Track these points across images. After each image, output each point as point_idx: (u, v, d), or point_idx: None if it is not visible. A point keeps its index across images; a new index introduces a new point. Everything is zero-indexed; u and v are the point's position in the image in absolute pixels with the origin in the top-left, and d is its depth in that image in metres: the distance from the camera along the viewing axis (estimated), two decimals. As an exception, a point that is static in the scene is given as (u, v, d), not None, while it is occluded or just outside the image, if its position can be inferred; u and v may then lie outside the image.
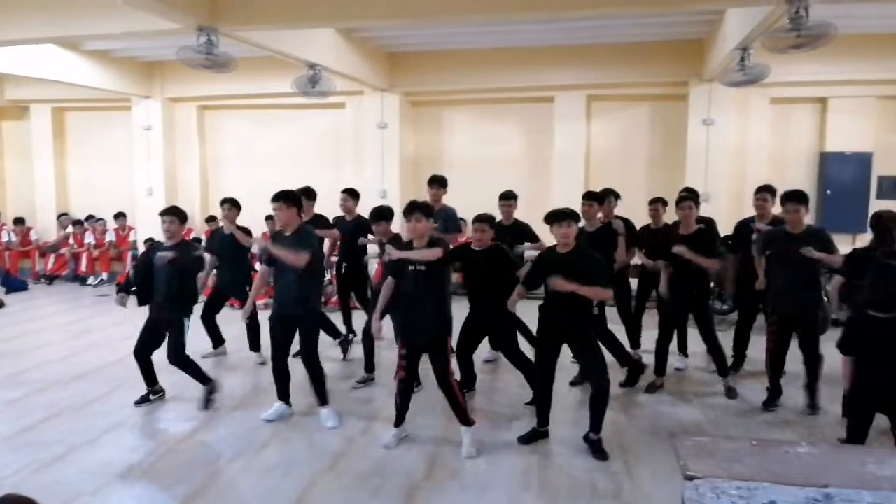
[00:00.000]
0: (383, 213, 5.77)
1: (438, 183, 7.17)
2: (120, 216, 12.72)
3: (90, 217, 12.89)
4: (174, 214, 5.64)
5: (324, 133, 12.23)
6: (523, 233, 6.62)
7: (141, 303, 5.63)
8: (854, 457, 2.64)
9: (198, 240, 9.66)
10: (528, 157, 11.51)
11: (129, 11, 6.18)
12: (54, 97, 12.52)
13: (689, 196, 6.02)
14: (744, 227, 6.63)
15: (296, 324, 5.22)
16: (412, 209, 4.71)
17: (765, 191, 6.45)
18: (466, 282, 5.78)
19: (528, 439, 4.87)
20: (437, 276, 4.66)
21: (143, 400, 5.75)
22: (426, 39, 10.09)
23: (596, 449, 4.63)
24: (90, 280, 12.34)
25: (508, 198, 6.81)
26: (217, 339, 7.33)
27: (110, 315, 9.38)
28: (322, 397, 5.33)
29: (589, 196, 6.40)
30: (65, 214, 13.22)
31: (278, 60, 8.53)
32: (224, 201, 7.46)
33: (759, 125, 10.49)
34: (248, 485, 4.30)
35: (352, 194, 7.23)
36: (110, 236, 12.71)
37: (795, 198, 5.36)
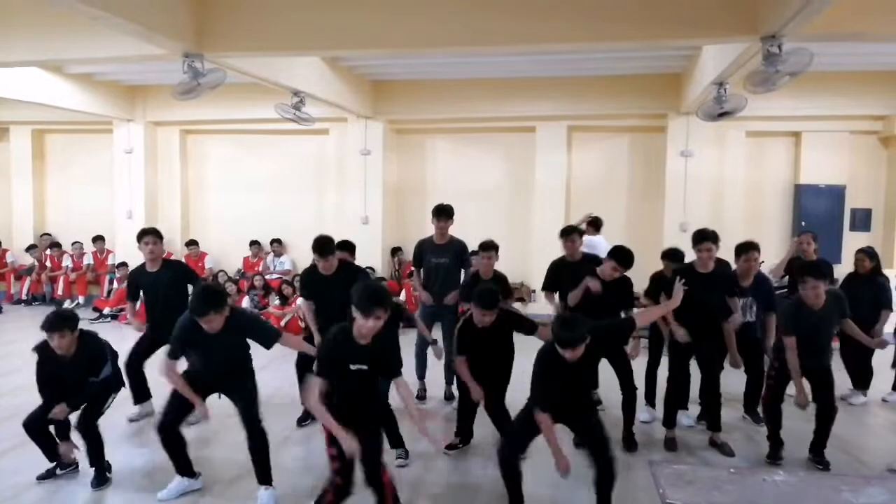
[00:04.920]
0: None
1: (446, 214, 6.55)
2: (98, 239, 12.59)
3: (75, 243, 12.70)
4: (156, 235, 5.62)
5: (307, 159, 12.26)
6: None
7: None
8: (829, 485, 2.68)
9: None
10: (510, 187, 11.62)
11: (113, 36, 6.18)
12: (35, 119, 12.44)
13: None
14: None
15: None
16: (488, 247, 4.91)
17: (754, 249, 5.76)
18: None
19: None
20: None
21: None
22: (410, 69, 10.21)
23: None
24: (66, 304, 12.15)
25: (489, 248, 6.13)
26: (143, 393, 6.10)
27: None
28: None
29: (624, 259, 5.50)
30: (47, 235, 13.08)
31: (262, 86, 8.57)
32: (146, 232, 5.97)
33: (735, 157, 10.72)
34: None
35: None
36: (88, 259, 12.57)
37: (813, 274, 4.88)
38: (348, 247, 6.26)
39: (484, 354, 4.89)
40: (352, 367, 3.63)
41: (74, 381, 4.58)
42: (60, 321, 4.47)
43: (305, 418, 5.85)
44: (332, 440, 3.63)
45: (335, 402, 3.65)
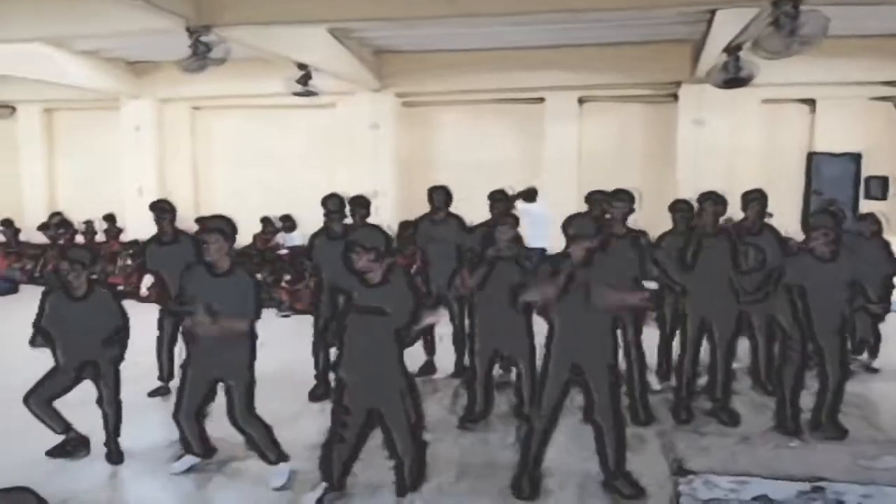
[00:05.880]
0: None
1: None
2: (109, 217, 12.60)
3: (87, 222, 12.71)
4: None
5: (315, 133, 12.19)
6: None
7: None
8: (846, 451, 2.65)
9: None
10: (520, 158, 11.50)
11: (117, 11, 6.13)
12: (43, 97, 12.40)
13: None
14: None
15: None
16: None
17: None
18: None
19: None
20: None
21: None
22: (417, 40, 10.08)
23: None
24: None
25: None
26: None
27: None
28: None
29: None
30: (57, 213, 13.10)
31: (270, 60, 8.51)
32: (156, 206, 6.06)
33: (749, 125, 10.58)
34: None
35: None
36: (99, 237, 12.58)
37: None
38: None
39: None
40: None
41: (79, 329, 4.50)
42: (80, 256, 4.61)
43: (318, 392, 5.87)
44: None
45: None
